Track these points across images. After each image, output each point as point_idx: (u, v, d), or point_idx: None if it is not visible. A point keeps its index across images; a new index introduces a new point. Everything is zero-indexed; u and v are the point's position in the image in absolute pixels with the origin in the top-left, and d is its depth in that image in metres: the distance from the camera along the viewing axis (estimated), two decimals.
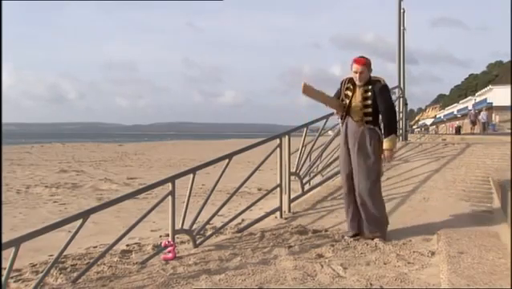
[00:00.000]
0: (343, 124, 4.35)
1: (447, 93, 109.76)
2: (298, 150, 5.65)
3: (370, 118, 4.19)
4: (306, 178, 5.96)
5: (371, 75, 4.21)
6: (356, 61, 4.16)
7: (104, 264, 3.69)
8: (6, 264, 2.97)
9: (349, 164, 4.26)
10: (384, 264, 3.50)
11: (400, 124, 9.35)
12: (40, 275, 3.29)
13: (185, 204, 4.07)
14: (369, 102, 4.17)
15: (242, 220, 5.17)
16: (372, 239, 4.12)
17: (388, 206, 5.16)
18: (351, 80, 4.26)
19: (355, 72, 4.17)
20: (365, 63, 4.15)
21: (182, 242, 4.35)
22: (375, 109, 4.17)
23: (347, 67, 4.26)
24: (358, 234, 4.28)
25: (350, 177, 4.27)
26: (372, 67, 4.21)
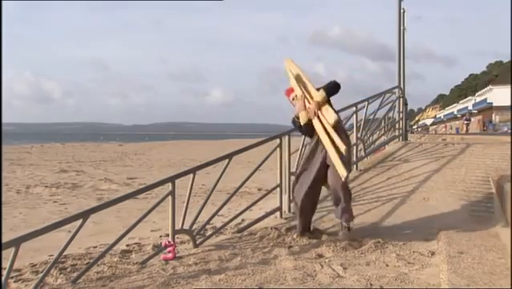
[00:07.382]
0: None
1: (447, 93, 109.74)
2: (298, 150, 5.65)
3: None
4: None
5: None
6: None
7: (104, 264, 3.68)
8: (6, 264, 2.97)
9: None
10: (384, 264, 3.50)
11: (400, 124, 9.34)
12: (40, 275, 3.29)
13: (185, 204, 4.07)
14: None
15: (242, 220, 5.17)
16: None
17: (388, 206, 5.17)
18: None
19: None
20: None
21: (182, 242, 4.35)
22: None
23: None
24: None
25: None
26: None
